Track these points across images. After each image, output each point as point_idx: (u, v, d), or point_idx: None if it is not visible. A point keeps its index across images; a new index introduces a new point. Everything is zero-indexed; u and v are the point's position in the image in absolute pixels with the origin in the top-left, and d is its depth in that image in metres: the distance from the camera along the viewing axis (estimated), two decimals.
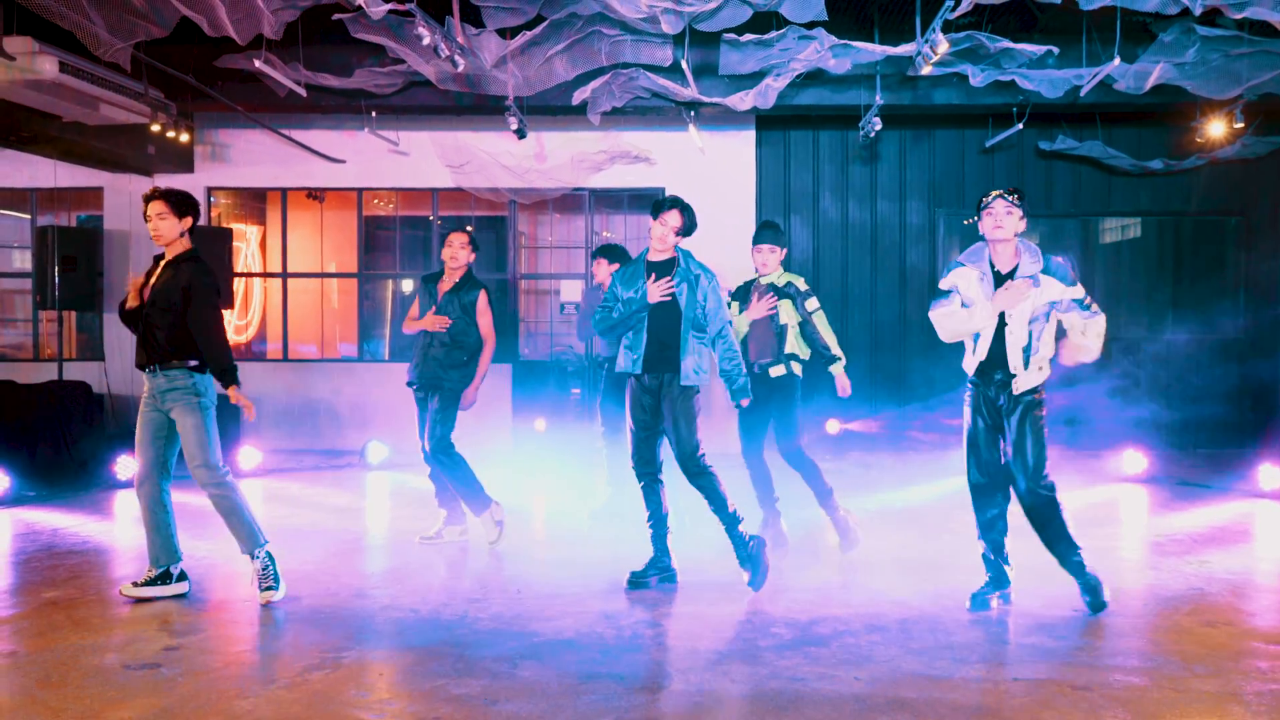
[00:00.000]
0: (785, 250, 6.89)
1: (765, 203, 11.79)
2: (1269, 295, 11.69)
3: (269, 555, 5.60)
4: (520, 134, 9.36)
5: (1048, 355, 5.21)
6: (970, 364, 5.34)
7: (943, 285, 5.41)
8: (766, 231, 6.84)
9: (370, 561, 6.60)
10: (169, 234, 5.56)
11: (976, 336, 5.30)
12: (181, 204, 5.60)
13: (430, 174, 11.75)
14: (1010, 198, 5.20)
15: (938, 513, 8.16)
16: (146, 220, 5.56)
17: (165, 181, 11.92)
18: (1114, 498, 8.85)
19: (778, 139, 11.83)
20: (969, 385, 5.40)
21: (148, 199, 5.56)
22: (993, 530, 5.41)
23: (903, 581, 6.02)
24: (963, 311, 5.25)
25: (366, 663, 4.57)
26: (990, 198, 5.23)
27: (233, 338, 12.75)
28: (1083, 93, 8.50)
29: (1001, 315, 5.21)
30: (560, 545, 7.05)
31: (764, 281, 6.84)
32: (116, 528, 7.64)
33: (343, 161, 11.83)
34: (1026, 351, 5.17)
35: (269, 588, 5.52)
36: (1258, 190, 11.61)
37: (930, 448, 10.99)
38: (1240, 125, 9.12)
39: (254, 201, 12.91)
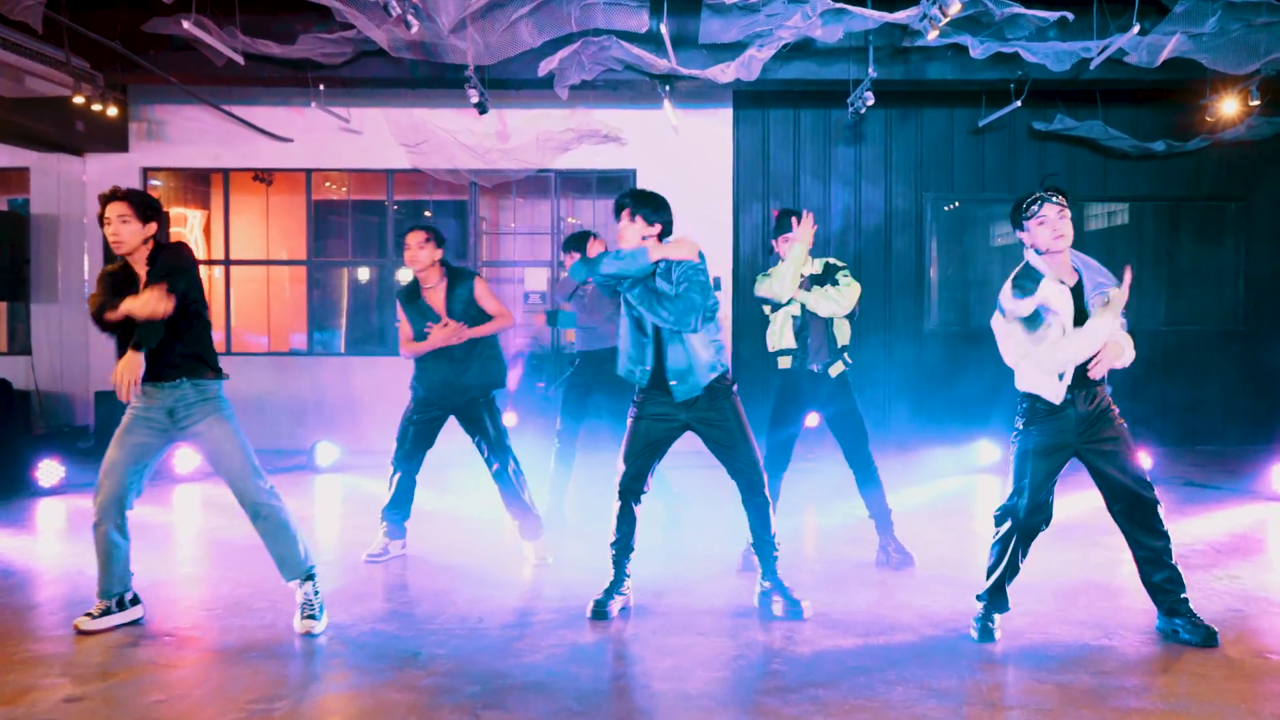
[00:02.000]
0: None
1: (743, 185, 11.10)
2: (1271, 284, 11.15)
3: (313, 580, 5.03)
4: (481, 109, 8.60)
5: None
6: (1056, 392, 4.65)
7: (1026, 307, 4.55)
8: (785, 218, 6.21)
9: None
10: (131, 241, 4.78)
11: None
12: (147, 207, 4.82)
13: (385, 154, 10.96)
14: (1059, 199, 4.56)
15: (933, 517, 7.52)
16: (104, 224, 4.77)
17: (97, 161, 11.07)
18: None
19: (756, 118, 11.13)
20: (1035, 413, 4.74)
21: (106, 199, 4.78)
22: (1017, 568, 4.78)
23: (906, 601, 5.36)
24: (1077, 335, 4.49)
25: (300, 715, 3.85)
26: (1036, 204, 4.54)
27: None
28: (1093, 65, 7.88)
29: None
30: (518, 563, 6.33)
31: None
32: (34, 543, 6.85)
33: (290, 140, 11.02)
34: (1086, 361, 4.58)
35: (311, 616, 4.88)
36: (1260, 175, 11.05)
37: (923, 444, 10.36)
38: (1256, 103, 8.52)
39: (197, 184, 12.07)
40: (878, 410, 10.89)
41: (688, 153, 10.88)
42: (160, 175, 11.50)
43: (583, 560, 6.28)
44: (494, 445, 6.33)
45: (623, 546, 5.19)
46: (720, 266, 10.90)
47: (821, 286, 6.08)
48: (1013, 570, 4.75)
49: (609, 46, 8.16)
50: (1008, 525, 4.75)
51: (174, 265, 4.76)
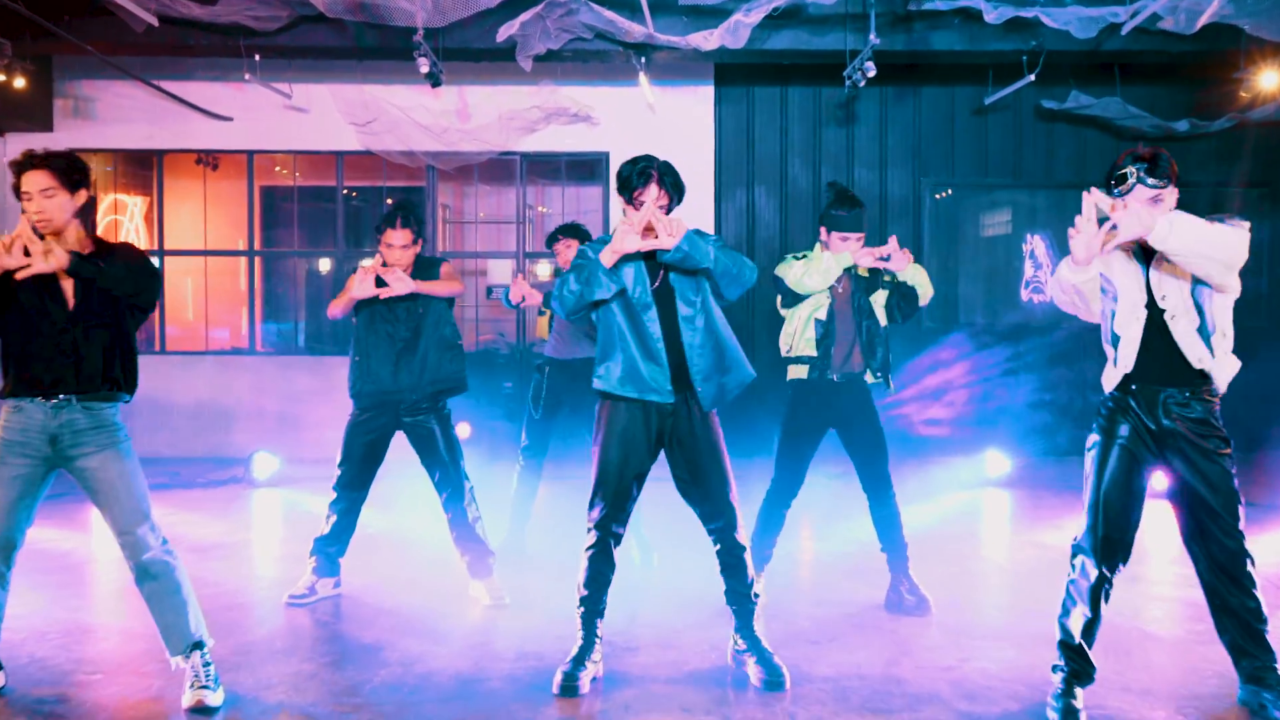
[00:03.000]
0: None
1: (726, 169, 10.19)
2: None
3: (202, 649, 4.03)
4: (434, 81, 7.66)
5: (1230, 337, 3.75)
6: (1112, 378, 3.83)
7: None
8: (858, 213, 5.19)
9: (224, 632, 4.90)
10: (59, 217, 3.82)
11: (1116, 339, 3.82)
12: (73, 172, 3.87)
13: (334, 135, 9.99)
14: (1156, 179, 3.66)
15: (940, 542, 6.64)
16: (22, 197, 3.80)
17: (18, 141, 10.05)
18: (1150, 521, 7.39)
19: (740, 96, 10.22)
20: (1105, 408, 3.92)
21: (20, 168, 3.82)
22: (1099, 610, 3.88)
23: (929, 661, 4.47)
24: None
25: None
26: (1129, 180, 3.67)
27: None
28: (1124, 30, 7.02)
29: (1150, 297, 3.74)
30: (469, 604, 5.40)
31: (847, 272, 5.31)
32: None
33: (229, 119, 10.04)
34: (1205, 333, 3.70)
35: (203, 687, 3.92)
36: None
37: (923, 454, 9.50)
38: None
39: (138, 168, 11.07)
40: None
41: (665, 134, 9.96)
42: (89, 157, 10.48)
43: (544, 599, 5.39)
44: (446, 468, 5.45)
45: (594, 603, 4.28)
46: None
47: (873, 292, 5.23)
48: (1068, 617, 3.89)
49: (577, 10, 7.24)
50: (1084, 562, 3.87)
51: (131, 268, 3.89)
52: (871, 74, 7.26)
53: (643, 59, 8.23)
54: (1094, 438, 3.93)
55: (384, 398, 5.38)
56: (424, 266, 5.42)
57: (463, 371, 5.54)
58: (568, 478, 7.30)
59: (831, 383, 5.19)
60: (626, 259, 4.10)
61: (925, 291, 5.25)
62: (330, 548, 5.54)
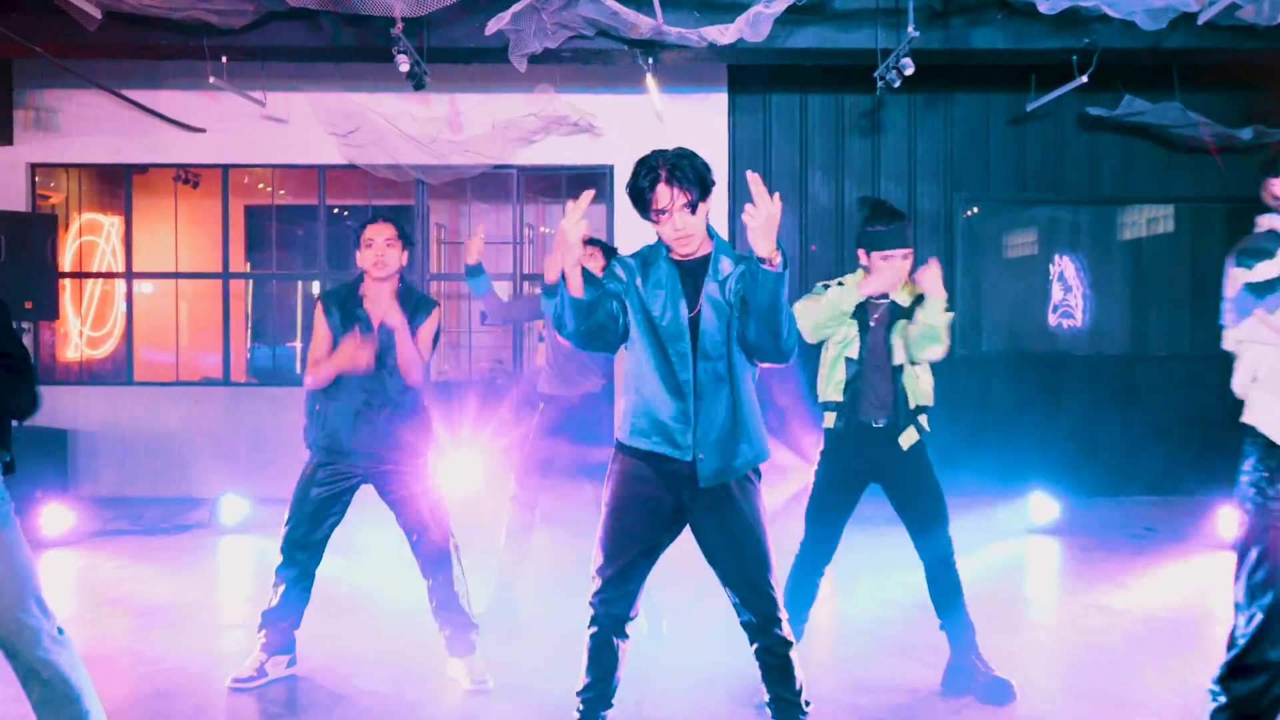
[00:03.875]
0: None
1: (740, 184, 9.35)
2: None
3: None
4: (417, 83, 6.85)
5: None
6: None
7: (1269, 269, 3.12)
8: (900, 226, 4.41)
9: None
10: None
11: None
12: None
13: (315, 147, 9.19)
14: None
15: (992, 606, 5.76)
16: None
17: None
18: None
19: (756, 104, 9.40)
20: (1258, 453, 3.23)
21: None
22: None
23: None
24: None
25: None
26: None
27: (86, 352, 10.14)
28: (1201, 19, 6.19)
29: None
30: (447, 687, 4.55)
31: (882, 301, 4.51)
32: None
33: (202, 131, 9.24)
34: None
35: None
36: None
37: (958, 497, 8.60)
38: None
39: (114, 185, 10.31)
40: None
41: (674, 144, 9.10)
42: (52, 173, 9.71)
43: (537, 681, 4.56)
44: (426, 531, 4.65)
45: (596, 695, 3.44)
46: None
47: (909, 321, 4.40)
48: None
49: (576, 2, 6.43)
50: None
51: None
52: (909, 71, 6.42)
53: (650, 60, 7.42)
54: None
55: (341, 451, 4.59)
56: (414, 304, 4.62)
57: (427, 433, 4.73)
58: (569, 520, 6.45)
59: (868, 430, 4.34)
60: (662, 274, 3.31)
61: (935, 350, 4.35)
62: (281, 621, 4.70)
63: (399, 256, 4.53)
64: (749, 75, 9.18)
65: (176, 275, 10.12)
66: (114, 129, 9.32)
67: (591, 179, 9.52)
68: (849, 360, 4.37)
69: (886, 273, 4.31)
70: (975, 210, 9.53)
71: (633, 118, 9.10)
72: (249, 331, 13.31)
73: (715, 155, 9.22)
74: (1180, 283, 9.91)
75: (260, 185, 11.78)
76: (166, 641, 5.25)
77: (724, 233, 9.23)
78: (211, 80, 7.40)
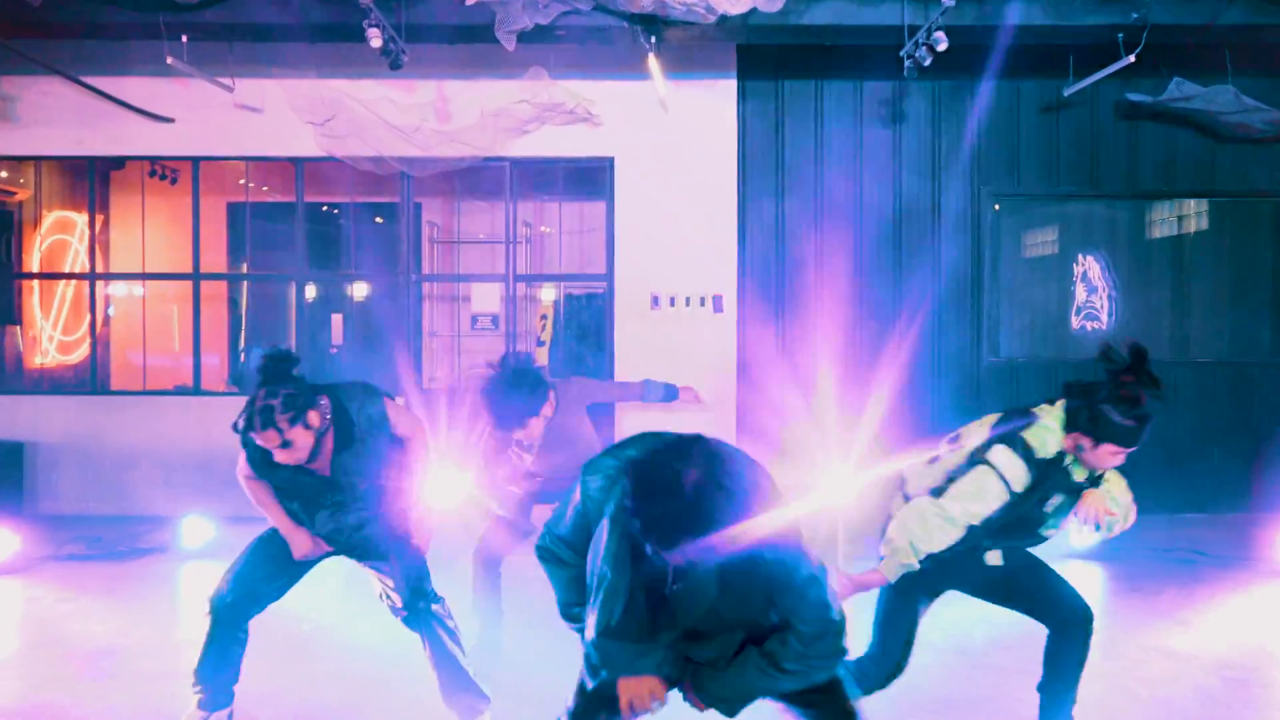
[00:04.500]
0: None
1: (751, 177, 8.68)
2: None
3: None
4: (394, 62, 6.20)
5: None
6: None
7: None
8: (1143, 421, 3.36)
9: None
10: None
11: None
12: None
13: (292, 138, 8.51)
14: None
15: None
16: None
17: None
18: None
19: (767, 90, 8.70)
20: None
21: None
22: None
23: None
24: None
25: None
26: None
27: (56, 357, 9.48)
28: None
29: None
30: None
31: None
32: None
33: (170, 121, 8.57)
34: None
35: None
36: None
37: None
38: None
39: (89, 181, 9.67)
40: None
41: (680, 135, 8.47)
42: (8, 166, 9.06)
43: None
44: (407, 590, 4.02)
45: None
46: (721, 282, 8.50)
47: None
48: None
49: None
50: None
51: None
52: (942, 47, 5.76)
53: (652, 39, 6.74)
54: None
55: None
56: (344, 420, 3.90)
57: (411, 535, 4.09)
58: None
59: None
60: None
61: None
62: (215, 673, 4.03)
63: (306, 433, 3.72)
64: (760, 59, 8.49)
65: (144, 276, 9.45)
66: (77, 119, 8.65)
67: (590, 172, 8.86)
68: (972, 529, 3.42)
69: (1096, 466, 3.43)
70: (996, 208, 8.83)
71: (635, 106, 8.42)
72: (243, 335, 12.68)
73: (723, 145, 8.55)
74: (1221, 283, 9.22)
75: (242, 181, 11.11)
76: (97, 696, 4.58)
77: (733, 229, 8.56)
78: (170, 61, 6.75)
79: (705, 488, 2.19)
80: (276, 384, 3.69)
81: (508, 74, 8.03)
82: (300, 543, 3.99)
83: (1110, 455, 3.34)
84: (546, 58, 7.74)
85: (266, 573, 4.04)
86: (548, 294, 11.44)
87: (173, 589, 6.47)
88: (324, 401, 3.80)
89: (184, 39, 6.86)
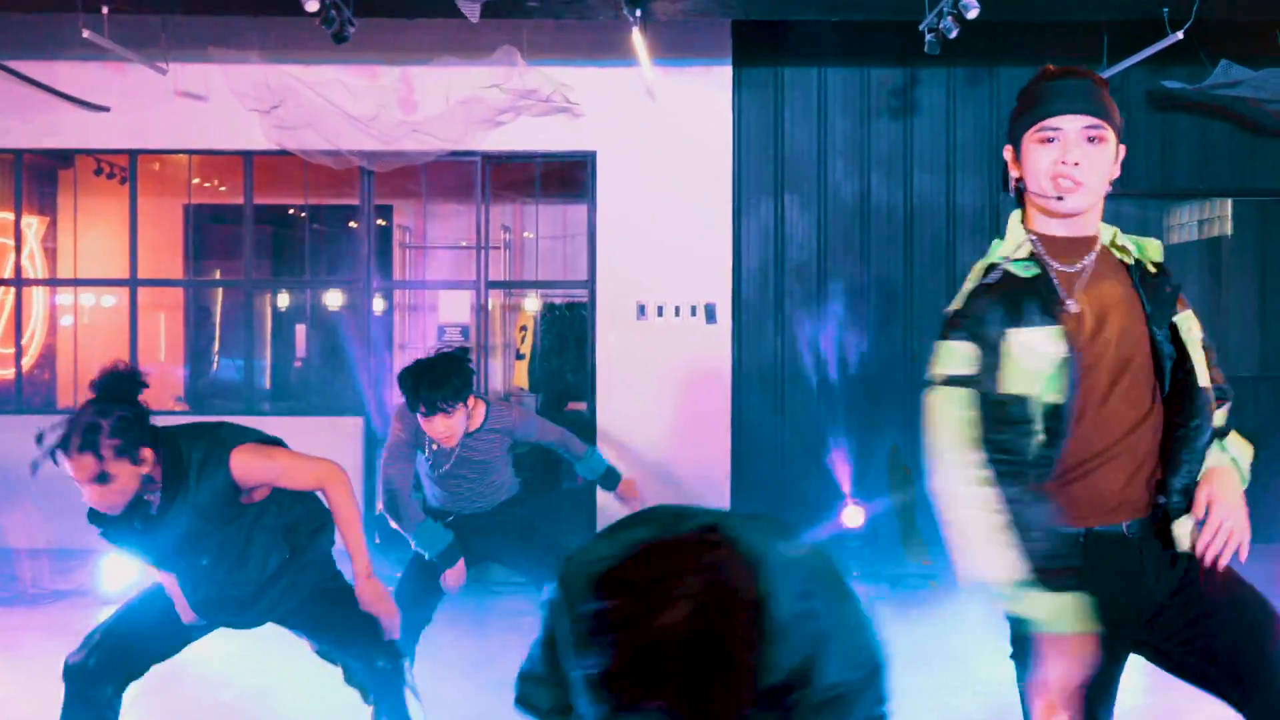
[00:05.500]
0: None
1: (748, 174, 7.88)
2: None
3: None
4: (337, 33, 5.40)
5: None
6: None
7: None
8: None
9: None
10: None
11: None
12: None
13: (242, 130, 7.68)
14: None
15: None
16: None
17: None
18: None
19: (765, 78, 7.90)
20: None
21: None
22: None
23: None
24: None
25: None
26: None
27: None
28: None
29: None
30: None
31: None
32: None
33: (105, 110, 7.74)
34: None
35: None
36: None
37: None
38: None
39: (38, 182, 8.88)
40: (919, 506, 7.53)
41: (669, 127, 7.66)
42: None
43: None
44: (356, 649, 3.27)
45: None
46: (715, 289, 7.70)
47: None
48: None
49: None
50: None
51: None
52: (973, 14, 4.96)
53: (638, 13, 5.94)
54: None
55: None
56: (177, 478, 3.11)
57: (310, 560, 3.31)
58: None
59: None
60: None
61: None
62: None
63: (126, 481, 2.96)
64: (758, 44, 7.71)
65: (75, 282, 8.63)
66: (3, 108, 7.83)
67: (569, 168, 8.06)
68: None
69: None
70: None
71: (620, 94, 7.62)
72: (216, 346, 11.93)
73: (717, 138, 7.76)
74: (1247, 289, 8.50)
75: (198, 180, 10.29)
76: None
77: (728, 230, 7.77)
78: (87, 35, 5.92)
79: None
80: (112, 404, 2.92)
81: (478, 58, 7.23)
82: (182, 609, 3.23)
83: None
84: (519, 38, 6.94)
85: (144, 631, 3.26)
86: (532, 303, 10.65)
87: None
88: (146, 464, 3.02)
89: (104, 11, 6.03)
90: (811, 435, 7.76)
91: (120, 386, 3.02)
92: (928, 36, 5.48)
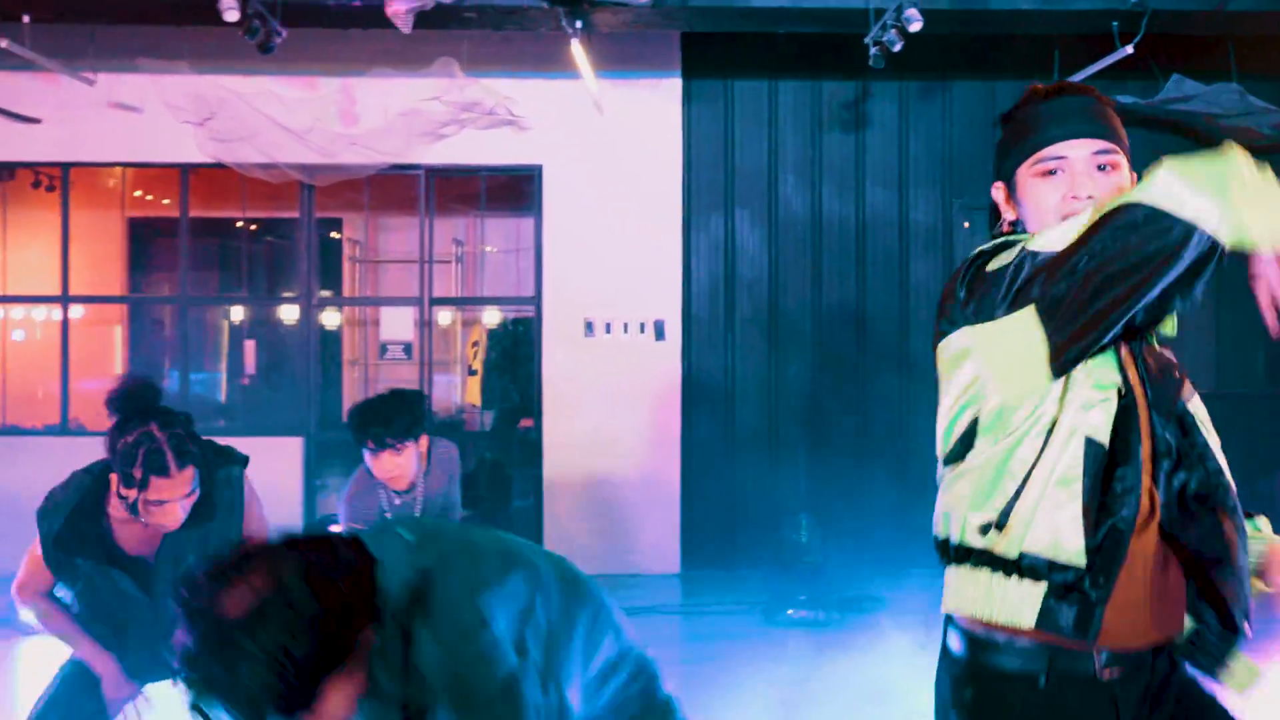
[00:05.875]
0: None
1: (698, 189, 7.73)
2: None
3: None
4: (263, 44, 5.21)
5: None
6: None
7: None
8: None
9: None
10: None
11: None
12: None
13: (180, 143, 7.46)
14: None
15: None
16: None
17: None
18: None
19: (715, 91, 7.76)
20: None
21: None
22: None
23: None
24: None
25: None
26: None
27: None
28: None
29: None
30: None
31: None
32: None
33: (36, 121, 7.50)
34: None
35: None
36: None
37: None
38: None
39: None
40: (872, 527, 7.32)
41: (617, 140, 7.51)
42: None
43: None
44: None
45: None
46: (664, 306, 7.55)
47: None
48: None
49: None
50: None
51: None
52: (915, 26, 4.84)
53: (578, 23, 5.78)
54: None
55: None
56: (211, 476, 3.03)
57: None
58: None
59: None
60: None
61: None
62: None
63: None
64: (707, 56, 7.56)
65: (3, 300, 8.37)
66: None
67: (516, 182, 7.90)
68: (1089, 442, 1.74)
69: None
70: (967, 226, 7.97)
71: (566, 107, 7.46)
72: (167, 363, 11.68)
73: (666, 153, 7.62)
74: (1209, 309, 8.42)
75: (140, 193, 10.06)
76: None
77: (677, 246, 7.63)
78: (5, 46, 5.70)
79: None
80: (155, 418, 2.77)
81: (417, 70, 7.05)
82: (110, 678, 3.02)
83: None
84: (459, 49, 6.77)
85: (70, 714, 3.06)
86: (492, 316, 10.47)
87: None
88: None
89: (26, 20, 5.81)
90: (763, 453, 7.62)
91: (148, 398, 2.90)
92: (872, 50, 5.35)
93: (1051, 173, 1.84)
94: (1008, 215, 1.94)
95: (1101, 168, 1.86)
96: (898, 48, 5.13)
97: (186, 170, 7.67)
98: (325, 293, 9.77)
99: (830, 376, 7.69)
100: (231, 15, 4.81)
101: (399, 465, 3.81)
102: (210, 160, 7.39)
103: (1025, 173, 1.88)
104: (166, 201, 10.06)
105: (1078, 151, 1.84)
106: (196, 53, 7.06)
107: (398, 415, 3.74)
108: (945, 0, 5.67)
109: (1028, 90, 1.97)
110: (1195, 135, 7.61)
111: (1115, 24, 5.80)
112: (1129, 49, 5.67)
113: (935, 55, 7.08)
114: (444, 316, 10.65)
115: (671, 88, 7.59)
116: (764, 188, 7.76)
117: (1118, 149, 1.91)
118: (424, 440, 3.95)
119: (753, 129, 7.76)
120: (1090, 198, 1.79)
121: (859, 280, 7.75)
